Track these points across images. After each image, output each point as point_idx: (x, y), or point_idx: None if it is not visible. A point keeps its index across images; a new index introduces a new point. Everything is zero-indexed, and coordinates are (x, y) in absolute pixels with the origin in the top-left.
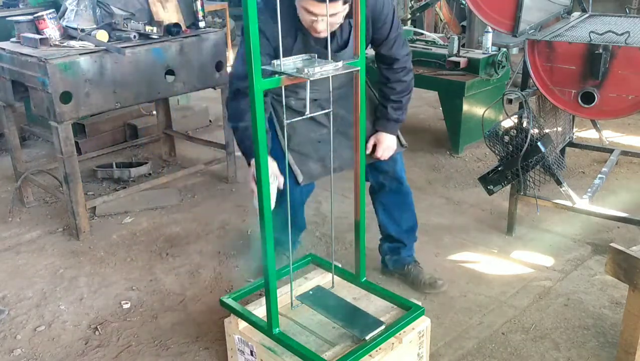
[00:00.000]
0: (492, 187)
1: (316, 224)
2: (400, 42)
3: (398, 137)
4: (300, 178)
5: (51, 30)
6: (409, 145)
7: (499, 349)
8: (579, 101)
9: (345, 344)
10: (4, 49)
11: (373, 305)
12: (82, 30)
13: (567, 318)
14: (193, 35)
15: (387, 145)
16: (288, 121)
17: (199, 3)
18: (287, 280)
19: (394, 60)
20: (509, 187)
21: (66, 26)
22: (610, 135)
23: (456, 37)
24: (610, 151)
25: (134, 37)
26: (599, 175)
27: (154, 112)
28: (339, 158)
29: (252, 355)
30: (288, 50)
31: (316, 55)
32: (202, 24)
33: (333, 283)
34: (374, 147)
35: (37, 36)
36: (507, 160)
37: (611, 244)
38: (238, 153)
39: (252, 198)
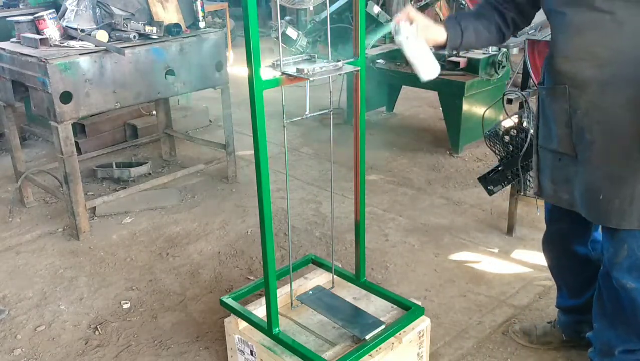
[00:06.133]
0: (492, 187)
1: (316, 224)
2: None
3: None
4: (535, 189)
5: (51, 30)
6: (409, 145)
7: (499, 349)
8: None
9: (345, 344)
10: (4, 49)
11: (373, 305)
12: (82, 30)
13: None
14: (193, 35)
15: None
16: (288, 121)
17: (199, 3)
18: (287, 280)
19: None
20: (509, 187)
21: (66, 26)
22: None
23: None
24: None
25: (134, 37)
26: None
27: (154, 112)
28: (574, 189)
29: (252, 355)
30: None
31: (316, 55)
32: (202, 24)
33: (333, 283)
34: None
35: (37, 36)
36: (507, 160)
37: None
38: (239, 153)
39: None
